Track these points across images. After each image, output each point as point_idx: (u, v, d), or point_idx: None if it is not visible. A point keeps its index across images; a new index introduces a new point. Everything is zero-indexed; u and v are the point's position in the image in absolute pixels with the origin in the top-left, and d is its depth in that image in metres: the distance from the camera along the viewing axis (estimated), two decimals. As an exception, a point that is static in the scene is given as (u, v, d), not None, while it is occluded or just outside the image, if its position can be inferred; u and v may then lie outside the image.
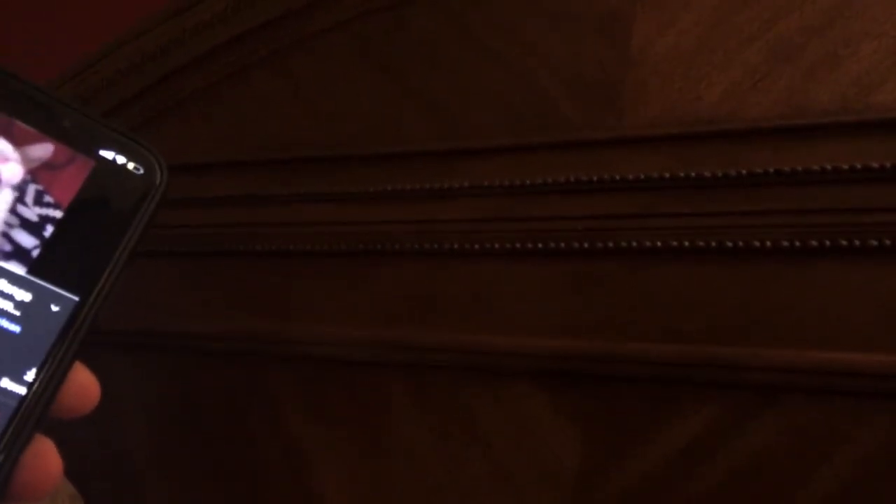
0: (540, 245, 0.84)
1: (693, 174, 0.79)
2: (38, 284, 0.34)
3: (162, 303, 1.02)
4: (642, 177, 0.81)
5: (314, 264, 0.97)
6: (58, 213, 0.35)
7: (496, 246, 0.86)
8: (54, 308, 0.34)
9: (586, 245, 0.82)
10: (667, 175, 0.80)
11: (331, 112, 1.00)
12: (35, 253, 0.34)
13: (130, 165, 0.36)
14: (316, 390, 0.93)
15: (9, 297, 0.34)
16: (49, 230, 0.35)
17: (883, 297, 0.72)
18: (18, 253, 0.34)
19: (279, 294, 0.98)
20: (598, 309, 0.81)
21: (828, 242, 0.73)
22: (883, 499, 0.68)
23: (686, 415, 0.76)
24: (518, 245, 0.85)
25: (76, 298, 0.34)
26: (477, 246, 0.87)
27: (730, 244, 0.77)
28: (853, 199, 0.73)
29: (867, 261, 0.72)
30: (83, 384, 0.34)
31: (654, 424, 0.77)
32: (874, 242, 0.72)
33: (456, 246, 0.88)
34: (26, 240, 0.34)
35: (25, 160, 0.35)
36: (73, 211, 0.35)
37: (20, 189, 0.35)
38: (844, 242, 0.73)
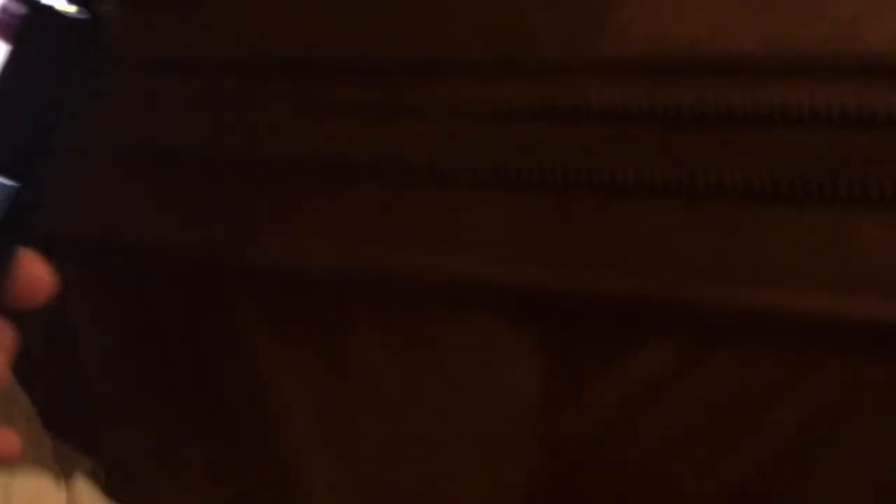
0: (510, 172, 0.82)
1: (670, 107, 0.78)
2: None
3: (115, 211, 0.98)
4: (617, 106, 0.79)
5: (276, 176, 0.94)
6: None
7: (465, 170, 0.84)
8: None
9: (557, 175, 0.80)
10: (643, 106, 0.79)
11: (296, 14, 0.95)
12: None
13: (72, 9, 0.29)
14: (278, 308, 0.92)
15: None
16: None
17: (846, 243, 0.72)
18: None
19: (240, 205, 0.95)
20: (564, 241, 0.81)
21: (798, 185, 0.73)
22: (838, 439, 0.71)
23: (646, 351, 0.78)
24: (487, 171, 0.83)
25: (13, 184, 0.29)
26: (446, 168, 0.85)
27: (701, 180, 0.77)
28: (827, 144, 0.73)
29: (835, 207, 0.73)
30: (34, 276, 0.32)
31: (614, 359, 0.78)
32: (843, 189, 0.72)
33: (421, 166, 0.86)
34: None
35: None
36: (3, 76, 0.28)
37: None
38: (815, 187, 0.73)
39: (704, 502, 0.75)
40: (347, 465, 0.88)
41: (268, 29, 0.96)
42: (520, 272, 0.82)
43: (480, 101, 0.84)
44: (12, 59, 0.28)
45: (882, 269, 0.71)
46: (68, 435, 0.98)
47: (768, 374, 0.74)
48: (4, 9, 0.27)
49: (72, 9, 0.28)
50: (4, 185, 0.29)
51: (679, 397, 0.76)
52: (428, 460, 0.85)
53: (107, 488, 0.94)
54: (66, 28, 0.28)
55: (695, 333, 0.76)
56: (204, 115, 0.97)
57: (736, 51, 0.77)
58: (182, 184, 0.98)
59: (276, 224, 0.93)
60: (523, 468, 0.81)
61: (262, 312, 0.93)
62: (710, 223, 0.77)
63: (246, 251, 0.93)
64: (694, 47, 0.78)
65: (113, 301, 1.00)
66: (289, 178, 0.93)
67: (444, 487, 0.84)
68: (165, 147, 0.98)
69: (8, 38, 0.28)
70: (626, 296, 0.78)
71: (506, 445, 0.81)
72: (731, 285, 0.75)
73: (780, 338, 0.74)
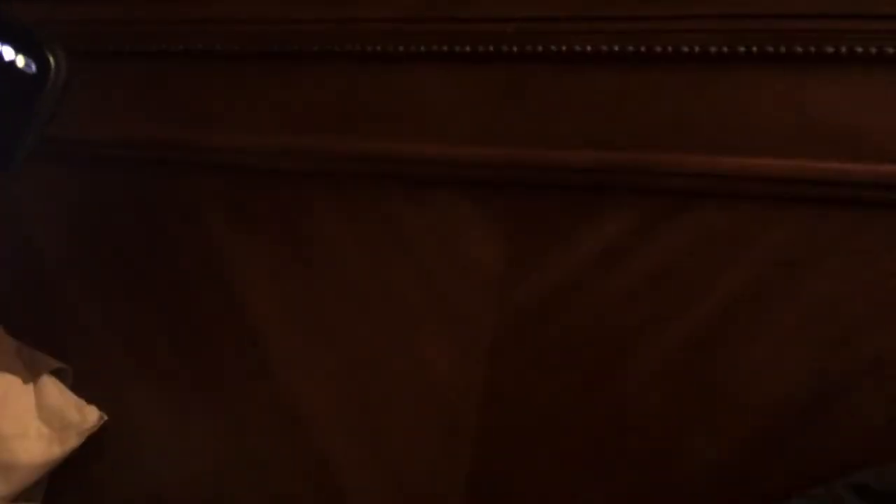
0: (468, 48, 0.81)
1: (627, -23, 0.77)
2: None
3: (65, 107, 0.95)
4: (574, -22, 0.78)
5: (229, 65, 0.91)
6: None
7: (422, 49, 0.82)
8: None
9: (515, 49, 0.80)
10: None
11: None
12: None
13: (20, 62, 0.29)
14: (238, 199, 0.91)
15: None
16: None
17: (802, 105, 0.73)
18: None
19: (193, 97, 0.93)
20: (524, 115, 0.80)
21: (755, 49, 0.73)
22: (792, 291, 0.73)
23: (605, 219, 0.78)
24: (445, 48, 0.82)
25: None
26: (402, 48, 0.83)
27: (658, 49, 0.76)
28: (781, 5, 0.73)
29: (790, 68, 0.73)
30: None
31: (574, 229, 0.79)
32: (799, 49, 0.72)
33: (379, 48, 0.85)
34: None
35: None
36: None
37: None
38: (770, 49, 0.73)
39: (662, 356, 0.77)
40: (314, 340, 0.88)
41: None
42: (479, 149, 0.81)
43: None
44: None
45: (834, 128, 0.72)
46: (33, 337, 0.97)
47: (725, 234, 0.75)
48: None
49: (21, 60, 0.28)
50: None
51: (636, 262, 0.77)
52: (394, 334, 0.85)
53: (74, 386, 0.94)
54: (17, 78, 0.28)
55: (652, 201, 0.77)
56: (149, 4, 0.94)
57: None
58: (134, 79, 0.96)
59: (231, 114, 0.91)
60: (486, 334, 0.82)
61: (223, 203, 0.92)
62: (667, 91, 0.77)
63: (202, 143, 0.91)
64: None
65: (71, 201, 0.98)
66: (241, 67, 0.91)
67: (410, 356, 0.85)
68: (111, 40, 0.95)
69: None
70: (585, 166, 0.78)
71: (470, 315, 0.82)
72: (692, 151, 0.75)
73: (737, 200, 0.75)
